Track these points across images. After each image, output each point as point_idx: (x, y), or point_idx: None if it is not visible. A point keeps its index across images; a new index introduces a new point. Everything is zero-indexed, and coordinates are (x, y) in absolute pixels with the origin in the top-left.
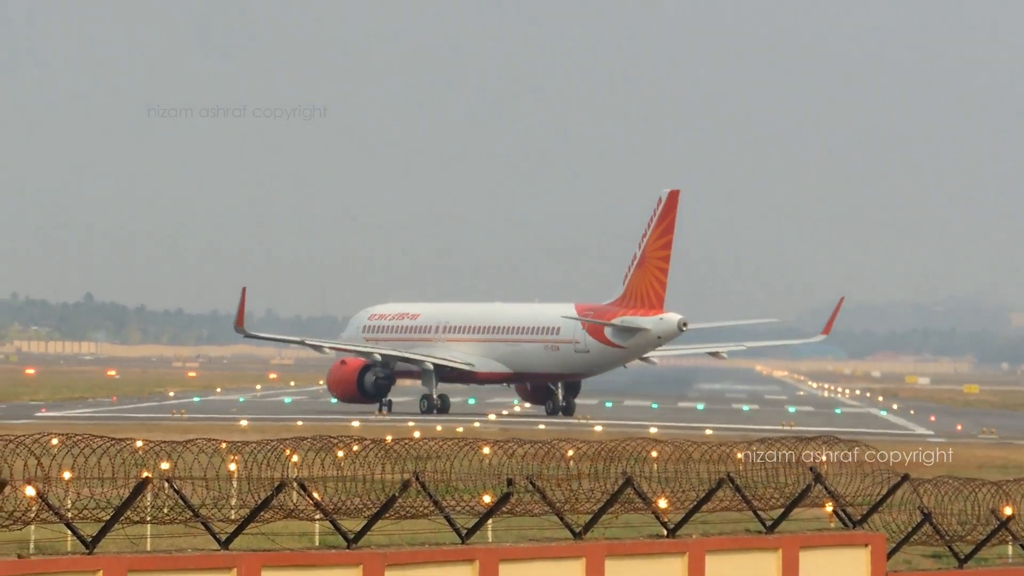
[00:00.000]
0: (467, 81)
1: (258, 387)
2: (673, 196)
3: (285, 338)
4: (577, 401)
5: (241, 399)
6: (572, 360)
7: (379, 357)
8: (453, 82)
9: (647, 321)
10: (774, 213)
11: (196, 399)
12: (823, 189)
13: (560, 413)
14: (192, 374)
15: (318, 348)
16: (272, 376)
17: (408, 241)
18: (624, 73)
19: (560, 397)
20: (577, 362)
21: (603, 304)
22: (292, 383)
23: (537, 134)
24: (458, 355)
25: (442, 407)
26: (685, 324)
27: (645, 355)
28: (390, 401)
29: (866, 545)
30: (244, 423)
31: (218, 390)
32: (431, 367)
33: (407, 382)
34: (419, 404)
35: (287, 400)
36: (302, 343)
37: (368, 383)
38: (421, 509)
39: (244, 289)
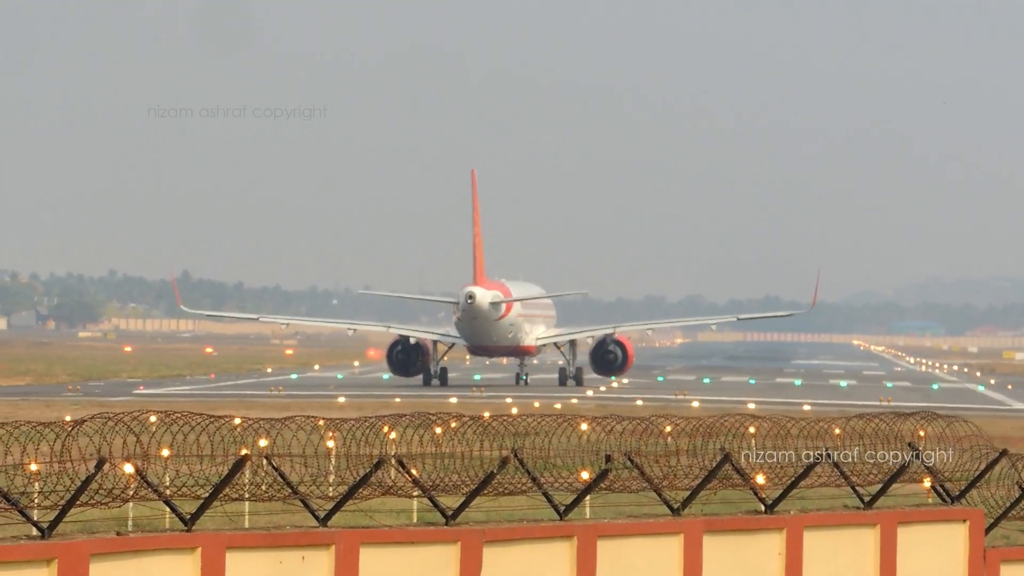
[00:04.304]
0: (468, 82)
1: (356, 364)
2: (472, 175)
3: (239, 315)
4: (675, 377)
5: (339, 376)
6: (460, 331)
7: (395, 334)
8: (454, 84)
9: (461, 294)
10: (862, 189)
11: (294, 376)
12: (924, 161)
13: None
14: (290, 351)
15: (285, 324)
16: (371, 353)
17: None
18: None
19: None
20: (463, 333)
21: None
22: None
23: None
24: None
25: (441, 378)
26: (471, 297)
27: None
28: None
29: (964, 520)
30: (342, 400)
31: (316, 367)
32: (431, 343)
33: (503, 360)
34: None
35: (386, 377)
36: (257, 319)
37: (393, 358)
38: (519, 486)
39: (171, 272)
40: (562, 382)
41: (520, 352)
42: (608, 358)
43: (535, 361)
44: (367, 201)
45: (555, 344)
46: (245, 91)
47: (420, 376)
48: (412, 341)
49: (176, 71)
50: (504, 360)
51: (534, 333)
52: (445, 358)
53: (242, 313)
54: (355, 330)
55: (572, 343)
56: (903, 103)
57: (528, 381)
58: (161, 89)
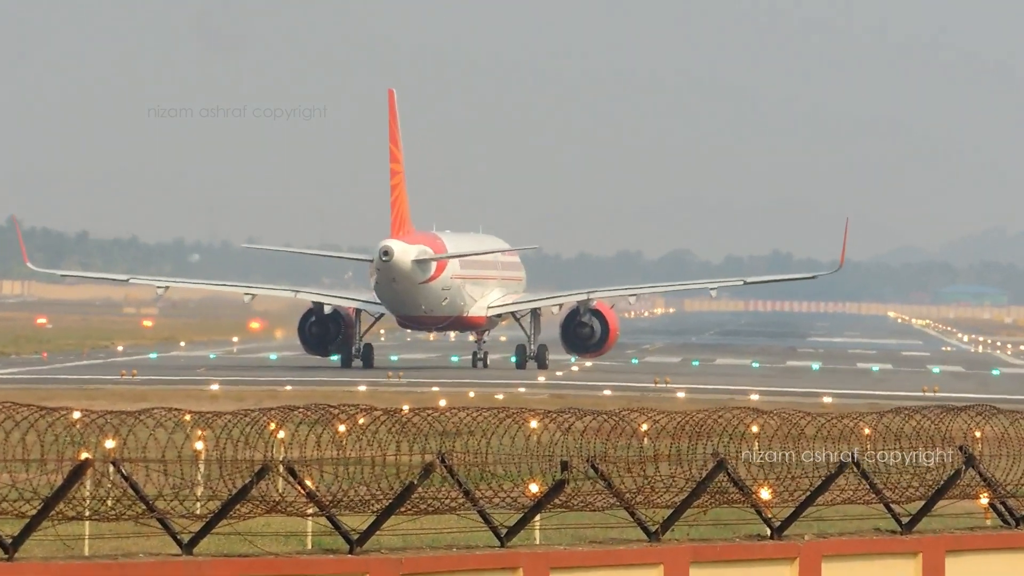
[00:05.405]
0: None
1: (235, 339)
2: (390, 96)
3: (103, 276)
4: (654, 358)
5: (212, 355)
6: (380, 297)
7: (308, 302)
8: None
9: (376, 250)
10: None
11: (153, 355)
12: (982, 85)
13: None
14: (148, 323)
15: (163, 287)
16: (255, 325)
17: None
18: None
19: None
20: (383, 299)
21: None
22: (280, 334)
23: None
24: None
25: (364, 358)
26: (387, 253)
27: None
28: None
29: None
30: (215, 387)
31: (182, 344)
32: (353, 312)
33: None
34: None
35: (273, 356)
36: (127, 281)
37: (306, 331)
38: (448, 501)
39: (14, 216)
40: (521, 364)
41: (463, 324)
42: (583, 332)
43: (480, 338)
44: (247, 128)
45: (513, 315)
46: (245, 91)
47: (339, 356)
48: (327, 310)
49: (176, 71)
50: (431, 336)
51: (484, 300)
52: (370, 332)
53: (104, 273)
54: (253, 295)
55: (534, 313)
56: (959, 11)
57: (488, 362)
58: (161, 87)
